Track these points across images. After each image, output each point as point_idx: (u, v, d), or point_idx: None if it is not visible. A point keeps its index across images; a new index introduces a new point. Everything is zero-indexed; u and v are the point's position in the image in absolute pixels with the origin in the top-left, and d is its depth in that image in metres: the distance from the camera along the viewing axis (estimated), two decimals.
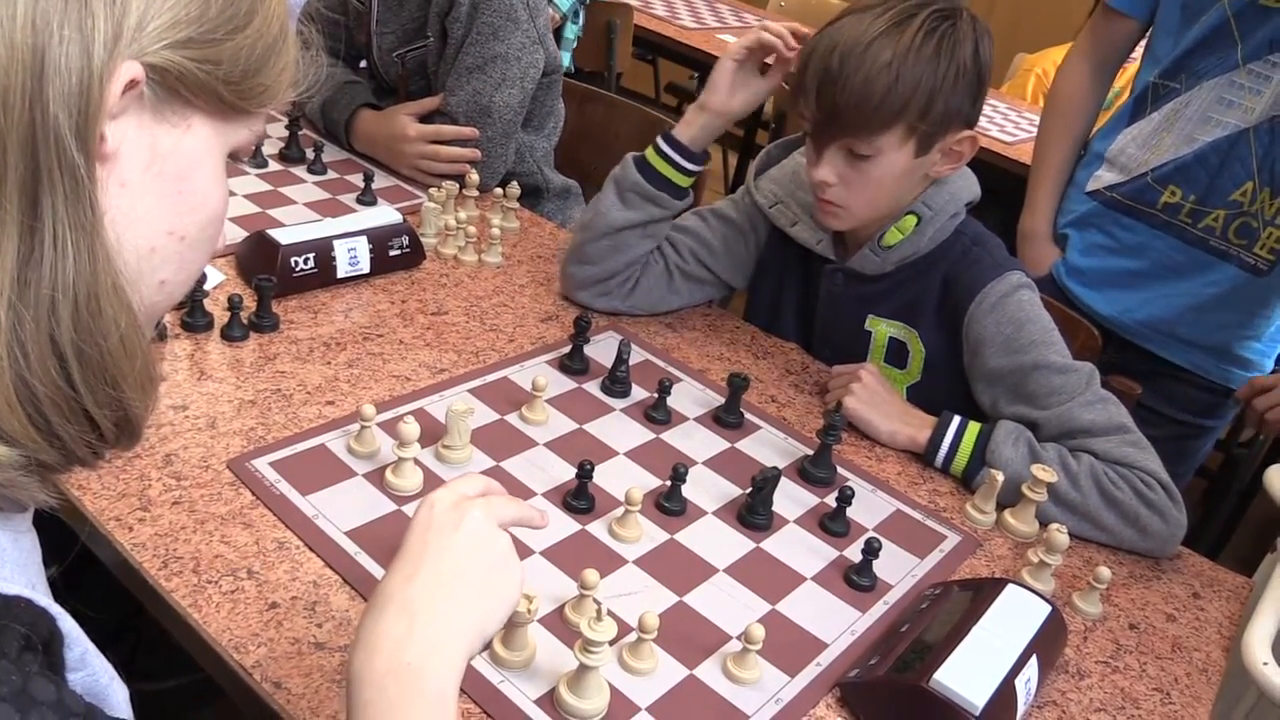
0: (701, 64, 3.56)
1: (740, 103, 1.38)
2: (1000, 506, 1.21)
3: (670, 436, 1.24)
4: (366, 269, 1.43)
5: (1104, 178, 1.70)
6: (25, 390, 0.49)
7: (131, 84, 0.51)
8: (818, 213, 1.36)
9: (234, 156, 0.64)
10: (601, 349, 1.37)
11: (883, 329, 1.42)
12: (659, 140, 1.40)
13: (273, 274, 1.30)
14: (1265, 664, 1.03)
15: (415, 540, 0.70)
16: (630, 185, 1.40)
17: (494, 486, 0.77)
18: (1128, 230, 1.67)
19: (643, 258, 1.45)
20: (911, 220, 1.33)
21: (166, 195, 0.56)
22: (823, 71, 1.23)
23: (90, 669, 0.54)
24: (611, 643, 0.84)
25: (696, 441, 1.24)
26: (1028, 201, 1.85)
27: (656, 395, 1.27)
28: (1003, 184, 2.47)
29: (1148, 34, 1.73)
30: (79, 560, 0.98)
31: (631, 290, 1.46)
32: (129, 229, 0.54)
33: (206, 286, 1.29)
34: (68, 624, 0.53)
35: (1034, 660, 0.92)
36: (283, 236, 1.36)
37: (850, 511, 1.13)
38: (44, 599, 0.51)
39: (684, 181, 1.40)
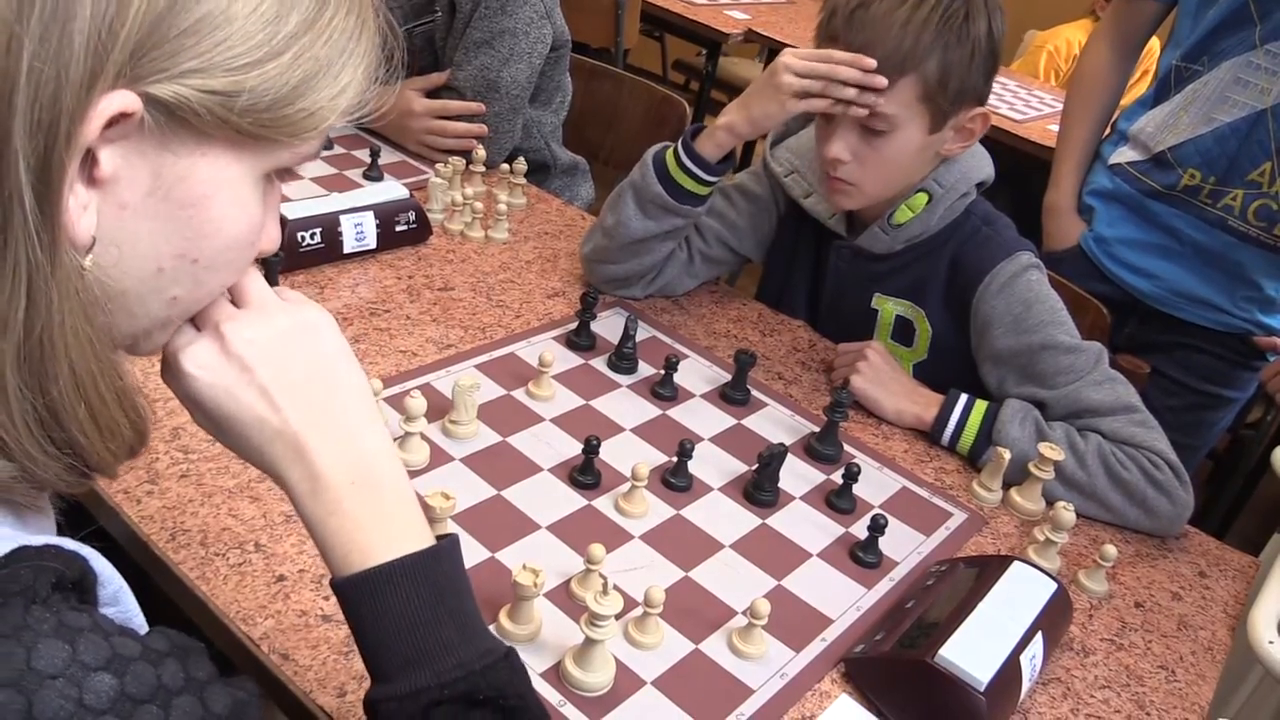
0: (709, 41, 3.54)
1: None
2: (1006, 485, 1.21)
3: (677, 413, 1.24)
4: (373, 244, 1.43)
5: (1126, 154, 1.72)
6: None
7: (122, 116, 0.47)
8: (826, 191, 1.34)
9: (283, 174, 0.59)
10: (608, 325, 1.37)
11: (889, 307, 1.42)
12: (681, 153, 1.33)
13: (279, 248, 1.30)
14: (1271, 643, 1.03)
15: (244, 419, 0.61)
16: (651, 197, 1.35)
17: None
18: (1151, 211, 1.68)
19: (667, 257, 1.44)
20: (923, 198, 1.32)
21: (174, 219, 0.53)
22: (844, 24, 1.21)
23: (123, 605, 0.55)
24: (617, 617, 0.84)
25: (703, 418, 1.24)
26: (1053, 178, 1.87)
27: (663, 372, 1.26)
28: (1013, 162, 2.45)
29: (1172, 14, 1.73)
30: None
31: (652, 281, 1.46)
32: (130, 249, 0.52)
33: None
34: (100, 563, 0.53)
35: (1039, 637, 0.93)
36: (289, 211, 1.35)
37: (856, 489, 1.13)
38: (73, 544, 0.52)
39: (704, 191, 1.35)
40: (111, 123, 0.48)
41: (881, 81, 1.19)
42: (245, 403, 0.61)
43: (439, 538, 0.64)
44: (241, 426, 0.61)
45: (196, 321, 0.62)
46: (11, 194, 0.45)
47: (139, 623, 0.56)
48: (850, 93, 1.19)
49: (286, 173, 0.60)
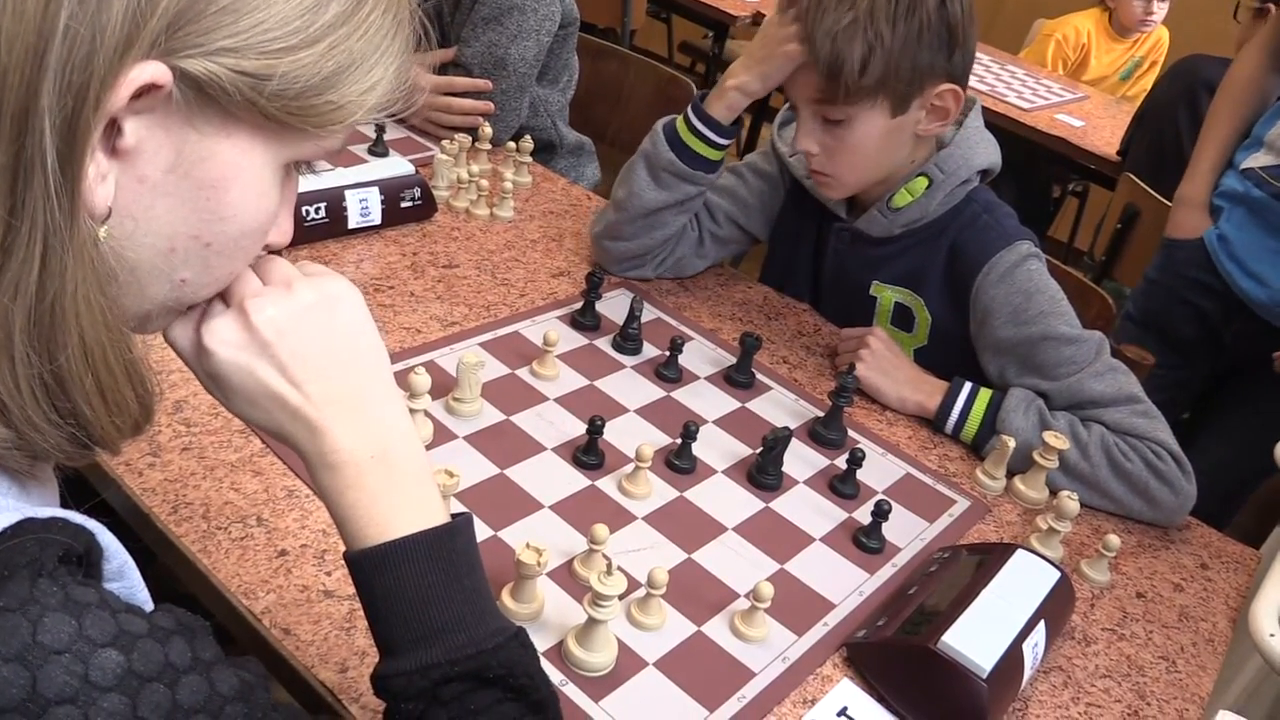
0: (715, 23, 3.52)
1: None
2: (1010, 473, 1.21)
3: (681, 395, 1.23)
4: (378, 220, 1.42)
5: (1260, 159, 1.76)
6: None
7: (151, 87, 0.47)
8: (814, 183, 1.35)
9: (302, 166, 0.59)
10: (613, 306, 1.37)
11: (888, 294, 1.41)
12: (691, 116, 1.34)
13: None
14: (1272, 635, 1.03)
15: (264, 395, 0.61)
16: (664, 165, 1.35)
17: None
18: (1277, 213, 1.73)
19: (679, 233, 1.43)
20: (922, 182, 1.31)
21: (191, 199, 0.52)
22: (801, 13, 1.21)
23: (128, 580, 0.54)
24: (620, 598, 0.84)
25: (707, 400, 1.23)
26: (1189, 170, 1.94)
27: (668, 353, 1.26)
28: (1020, 151, 2.44)
29: None
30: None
31: (663, 261, 1.45)
32: (145, 225, 0.52)
33: None
34: (106, 538, 0.53)
35: (1042, 625, 0.92)
36: None
37: (860, 474, 1.13)
38: (79, 517, 0.52)
39: (717, 156, 1.36)
40: (140, 93, 0.47)
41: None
42: (264, 379, 0.61)
43: (453, 515, 0.64)
44: (263, 401, 0.61)
45: (224, 297, 0.62)
46: (34, 154, 0.45)
47: (144, 598, 0.55)
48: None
49: (305, 166, 0.60)
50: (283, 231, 0.61)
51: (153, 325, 0.60)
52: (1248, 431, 1.83)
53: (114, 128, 0.48)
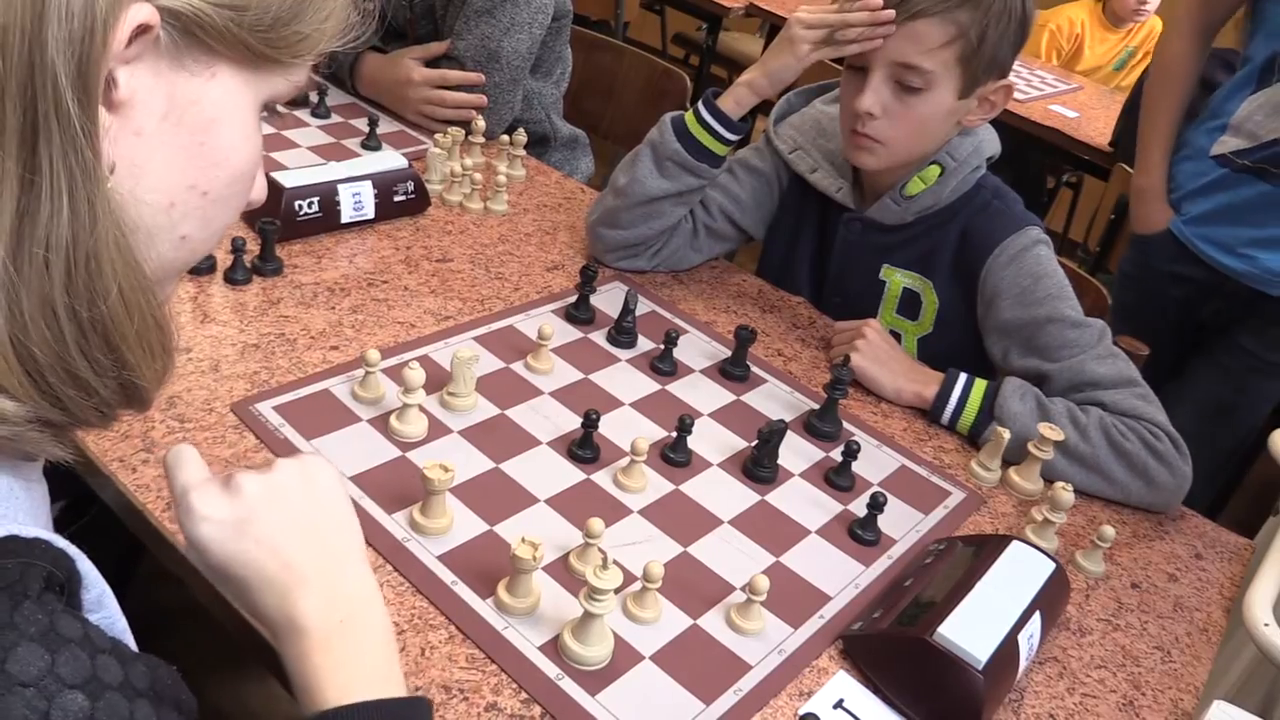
0: (710, 15, 3.51)
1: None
2: (1005, 464, 1.21)
3: (676, 388, 1.23)
4: (371, 214, 1.42)
5: (1229, 143, 1.75)
6: (24, 349, 0.48)
7: (143, 29, 0.48)
8: (849, 149, 1.34)
9: (270, 108, 0.61)
10: (607, 299, 1.36)
11: (897, 279, 1.42)
12: (701, 109, 1.35)
13: (276, 217, 1.29)
14: (1266, 625, 1.03)
15: (243, 561, 0.65)
16: (669, 154, 1.35)
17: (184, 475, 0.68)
18: (1253, 189, 1.73)
19: (676, 225, 1.43)
20: (935, 170, 1.33)
21: (186, 147, 0.54)
22: None
23: (107, 611, 0.54)
24: (616, 591, 0.84)
25: (702, 393, 1.23)
26: (1140, 162, 1.94)
27: (663, 346, 1.26)
28: (1013, 141, 2.43)
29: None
30: (72, 515, 0.98)
31: (658, 252, 1.45)
32: (145, 180, 0.52)
33: None
34: (85, 565, 0.52)
35: (1037, 616, 0.92)
36: (286, 179, 1.34)
37: (855, 466, 1.13)
38: (61, 541, 0.51)
39: (722, 151, 1.36)
40: (132, 38, 0.48)
41: (889, 13, 1.20)
42: (244, 547, 0.64)
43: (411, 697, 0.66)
44: (240, 569, 0.65)
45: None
46: (50, 107, 0.46)
47: (122, 627, 0.55)
48: (855, 32, 1.22)
49: (273, 113, 0.62)
50: (260, 188, 0.63)
51: (162, 290, 0.60)
52: (1213, 386, 1.88)
53: (109, 81, 0.49)
